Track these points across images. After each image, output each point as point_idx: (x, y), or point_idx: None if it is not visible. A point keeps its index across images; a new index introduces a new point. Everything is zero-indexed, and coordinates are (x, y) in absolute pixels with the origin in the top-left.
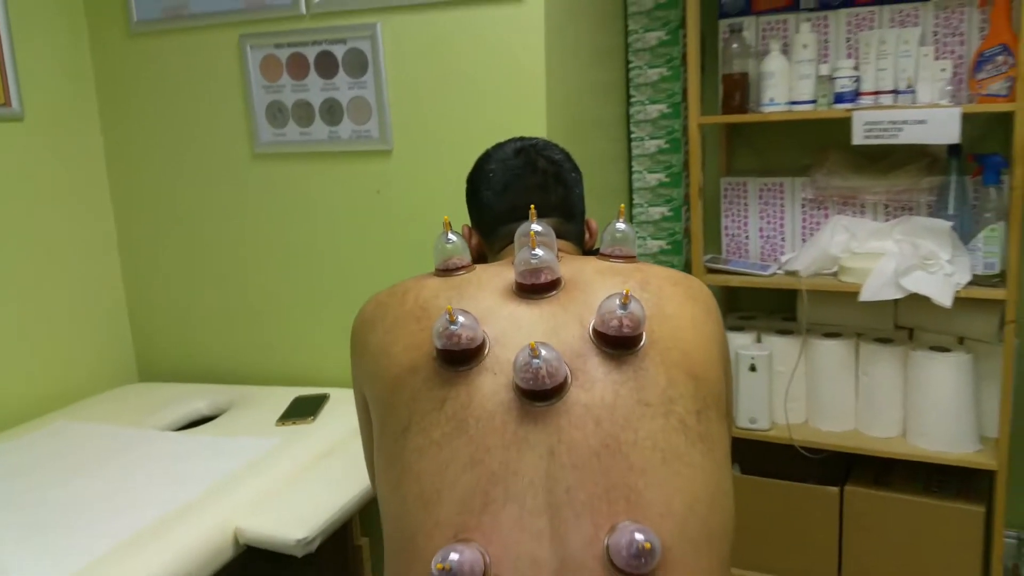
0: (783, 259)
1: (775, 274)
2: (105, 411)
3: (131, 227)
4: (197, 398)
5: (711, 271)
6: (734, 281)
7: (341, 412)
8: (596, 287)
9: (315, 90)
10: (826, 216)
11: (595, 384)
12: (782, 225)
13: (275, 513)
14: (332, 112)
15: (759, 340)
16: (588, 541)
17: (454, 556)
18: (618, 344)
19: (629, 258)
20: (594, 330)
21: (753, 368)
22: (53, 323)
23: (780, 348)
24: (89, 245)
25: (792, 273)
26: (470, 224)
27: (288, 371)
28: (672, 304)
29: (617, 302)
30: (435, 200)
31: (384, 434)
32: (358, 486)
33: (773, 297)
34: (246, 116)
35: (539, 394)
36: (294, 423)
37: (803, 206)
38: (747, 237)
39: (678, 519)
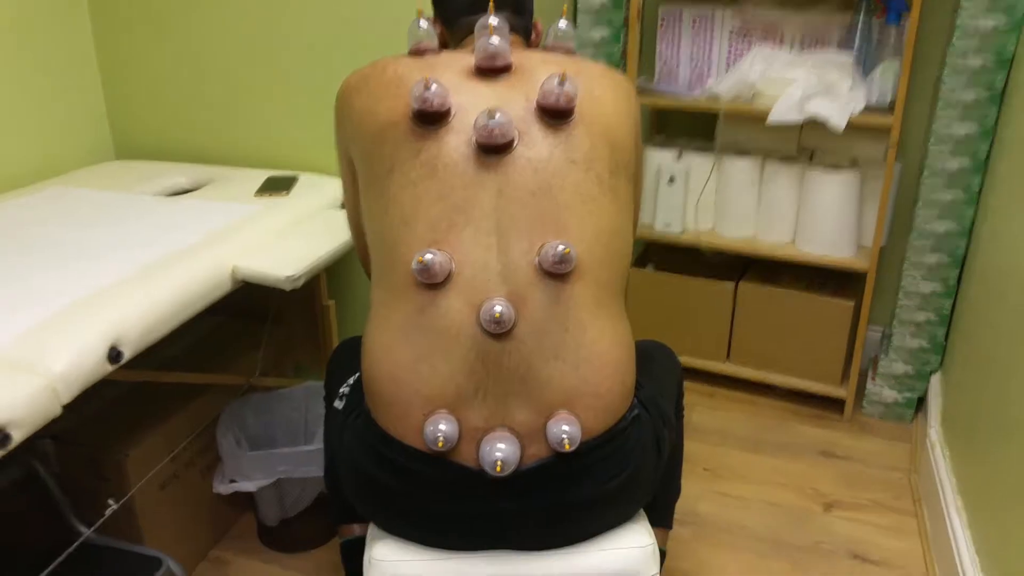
0: (708, 83)
1: (699, 98)
2: (91, 183)
3: (104, 9)
4: (177, 174)
5: (642, 91)
6: (662, 102)
7: (311, 191)
8: (540, 72)
9: None
10: (750, 46)
11: (536, 144)
12: (711, 53)
13: (265, 256)
14: None
15: (680, 157)
16: (524, 252)
17: (429, 256)
18: (555, 115)
19: (568, 51)
20: (537, 104)
21: (672, 180)
22: (28, 101)
23: (697, 164)
24: (62, 25)
25: (714, 97)
26: (434, 16)
27: (258, 155)
28: (599, 89)
29: (556, 80)
30: None
31: (372, 177)
32: (335, 242)
33: (697, 122)
34: None
35: (492, 148)
36: (271, 195)
37: (730, 35)
38: (678, 64)
39: (589, 243)
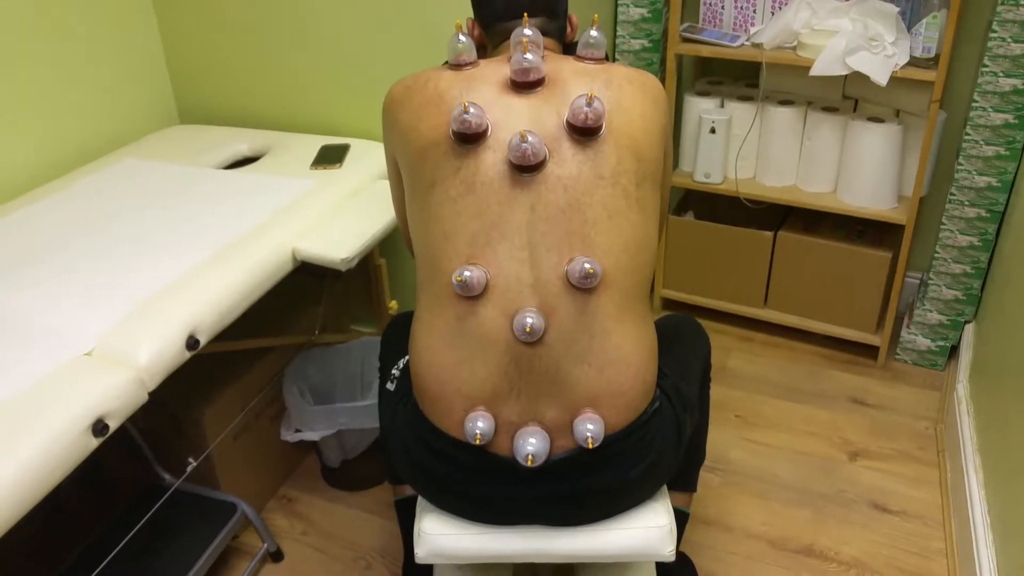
0: (752, 30)
1: (742, 45)
2: (160, 150)
3: None
4: (237, 140)
5: (685, 40)
6: (704, 51)
7: (362, 161)
8: (571, 85)
9: None
10: None
11: (566, 162)
12: None
13: (323, 238)
14: None
15: (722, 105)
16: (554, 266)
17: (467, 272)
18: (584, 132)
19: (599, 60)
20: (567, 121)
21: (713, 131)
22: (95, 75)
23: (739, 113)
24: None
25: (757, 45)
26: (473, 18)
27: (314, 120)
28: (628, 99)
29: (584, 101)
30: None
31: (416, 189)
32: (384, 219)
33: (741, 64)
34: None
35: (526, 168)
36: (325, 168)
37: None
38: (723, 6)
39: (615, 255)
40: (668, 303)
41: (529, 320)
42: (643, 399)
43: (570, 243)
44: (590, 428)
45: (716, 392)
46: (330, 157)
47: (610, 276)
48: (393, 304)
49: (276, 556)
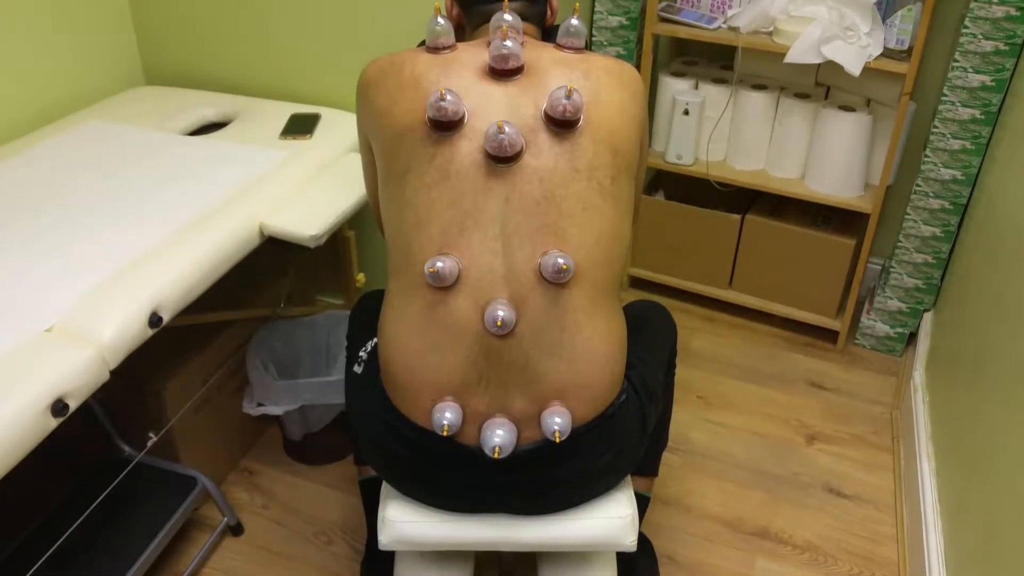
0: (730, 13)
1: (719, 28)
2: (125, 112)
3: None
4: (204, 104)
5: (663, 19)
6: (681, 32)
7: (332, 132)
8: (550, 75)
9: None
10: None
11: (542, 153)
12: None
13: (291, 213)
14: None
15: (696, 87)
16: (527, 259)
17: (439, 263)
18: (561, 124)
19: (578, 49)
20: (544, 112)
21: (686, 112)
22: (60, 31)
23: (713, 96)
24: None
25: (734, 29)
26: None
27: (283, 87)
28: (606, 91)
29: (563, 93)
30: None
31: (389, 174)
32: (354, 194)
33: (717, 45)
34: None
35: (502, 159)
36: (295, 138)
37: None
38: None
39: (588, 249)
40: (636, 281)
41: (500, 313)
42: (611, 391)
43: (544, 236)
44: (558, 422)
45: (680, 372)
46: (300, 127)
47: (582, 270)
48: (360, 277)
49: (236, 530)
